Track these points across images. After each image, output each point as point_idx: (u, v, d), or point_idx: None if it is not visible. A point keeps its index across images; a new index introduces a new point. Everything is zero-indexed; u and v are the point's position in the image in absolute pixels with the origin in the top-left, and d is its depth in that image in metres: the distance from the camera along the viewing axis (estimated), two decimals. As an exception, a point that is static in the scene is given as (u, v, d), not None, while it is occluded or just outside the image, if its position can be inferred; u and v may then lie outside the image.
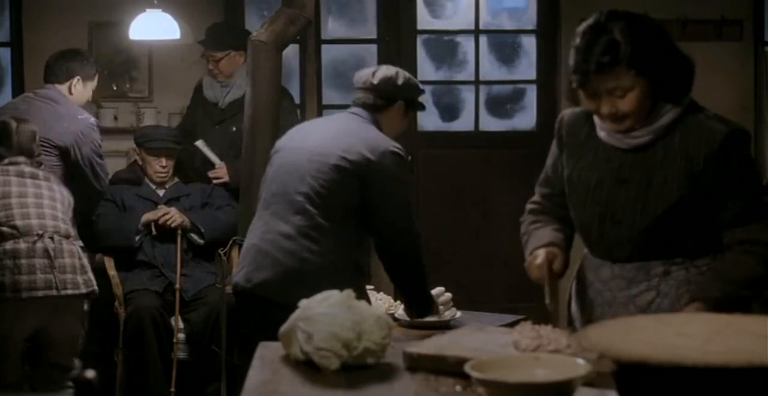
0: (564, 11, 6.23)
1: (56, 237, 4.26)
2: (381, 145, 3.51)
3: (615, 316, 2.57)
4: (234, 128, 5.44)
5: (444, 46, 6.56)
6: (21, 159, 4.43)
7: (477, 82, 6.47)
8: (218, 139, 5.50)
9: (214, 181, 5.44)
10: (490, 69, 6.52)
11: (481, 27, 6.44)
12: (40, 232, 4.23)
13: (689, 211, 2.52)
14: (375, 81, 3.60)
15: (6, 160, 4.43)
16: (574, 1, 6.16)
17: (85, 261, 4.34)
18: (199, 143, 5.46)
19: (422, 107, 3.76)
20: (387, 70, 3.65)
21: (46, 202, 4.36)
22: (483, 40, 6.47)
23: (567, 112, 2.74)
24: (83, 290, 4.24)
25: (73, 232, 4.44)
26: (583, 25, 2.48)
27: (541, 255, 2.61)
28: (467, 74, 6.49)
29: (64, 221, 4.38)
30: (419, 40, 6.47)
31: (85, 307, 4.38)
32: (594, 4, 5.89)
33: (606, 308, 2.62)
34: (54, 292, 4.18)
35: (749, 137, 2.57)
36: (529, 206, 2.83)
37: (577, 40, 2.47)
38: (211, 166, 5.47)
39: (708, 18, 6.09)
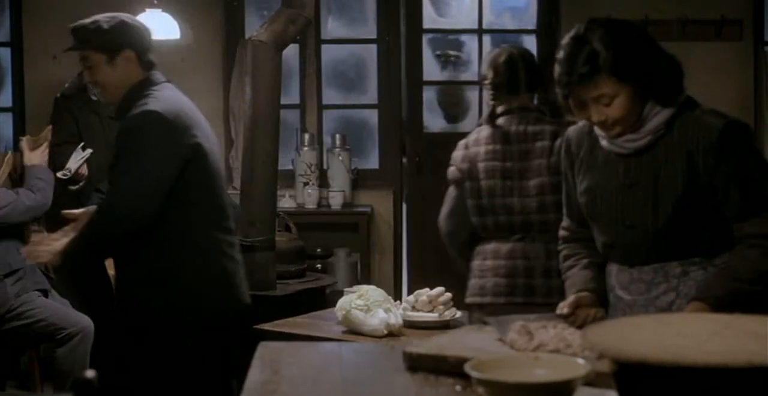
0: (564, 11, 6.23)
1: None
2: None
3: None
4: None
5: (449, 45, 6.55)
6: None
7: (481, 83, 6.44)
8: None
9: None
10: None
11: (484, 26, 6.43)
12: None
13: (698, 208, 2.51)
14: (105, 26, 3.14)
15: None
16: (574, 1, 6.15)
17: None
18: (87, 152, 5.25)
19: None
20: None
21: None
22: (486, 39, 6.46)
23: (571, 129, 2.74)
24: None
25: None
26: (565, 38, 2.52)
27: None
28: (471, 74, 6.48)
29: None
30: (424, 39, 6.46)
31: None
32: (594, 4, 5.95)
33: (627, 311, 2.59)
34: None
35: (747, 129, 2.55)
36: (560, 233, 2.81)
37: (560, 53, 2.50)
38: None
39: (708, 18, 6.09)
